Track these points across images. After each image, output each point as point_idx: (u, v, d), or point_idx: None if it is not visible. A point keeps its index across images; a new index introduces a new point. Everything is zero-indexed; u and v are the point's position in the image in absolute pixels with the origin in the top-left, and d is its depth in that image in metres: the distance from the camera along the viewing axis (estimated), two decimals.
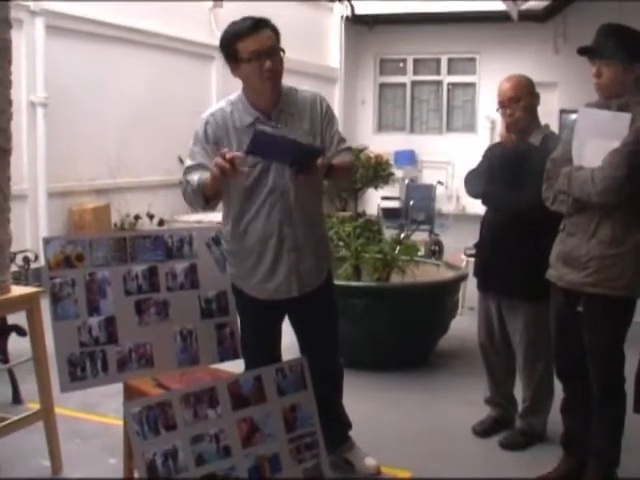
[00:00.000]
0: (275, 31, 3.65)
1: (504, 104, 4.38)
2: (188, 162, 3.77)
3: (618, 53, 3.60)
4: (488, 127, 16.30)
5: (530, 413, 4.61)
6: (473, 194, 4.66)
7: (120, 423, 3.64)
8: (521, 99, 4.35)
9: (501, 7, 13.52)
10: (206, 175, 3.56)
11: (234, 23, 3.65)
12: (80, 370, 3.17)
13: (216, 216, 4.12)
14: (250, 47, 3.55)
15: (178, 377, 3.55)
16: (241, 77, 3.69)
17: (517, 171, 4.32)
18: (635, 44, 3.65)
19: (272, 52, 3.59)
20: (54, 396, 3.92)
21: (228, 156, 3.34)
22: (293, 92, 3.82)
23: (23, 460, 4.27)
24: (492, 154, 4.66)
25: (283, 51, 3.65)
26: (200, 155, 3.73)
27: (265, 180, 3.71)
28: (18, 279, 7.36)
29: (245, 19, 3.62)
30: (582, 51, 3.74)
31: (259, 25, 3.59)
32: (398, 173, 14.82)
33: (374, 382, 5.67)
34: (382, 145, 15.65)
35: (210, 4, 12.04)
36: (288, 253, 3.80)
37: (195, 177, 3.64)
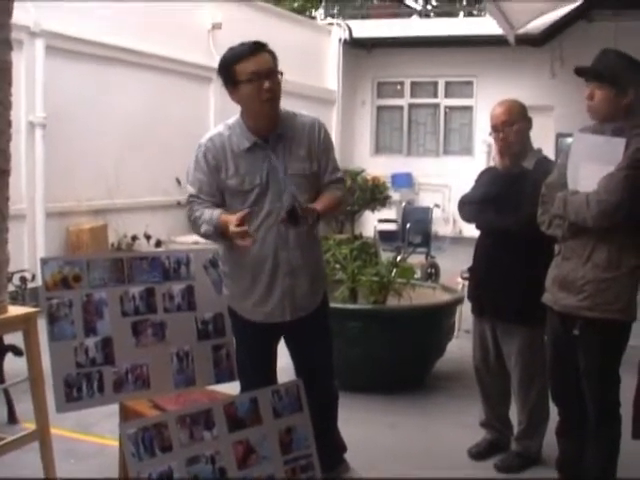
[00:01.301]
0: (273, 55, 3.69)
1: (497, 128, 4.42)
2: (190, 189, 3.84)
3: (611, 77, 3.64)
4: (485, 151, 16.33)
5: (525, 436, 4.61)
6: (466, 218, 4.68)
7: (116, 444, 3.64)
8: (514, 123, 4.38)
9: (498, 31, 13.61)
10: (217, 214, 3.65)
11: (232, 48, 3.69)
12: (76, 391, 3.17)
13: None
14: (249, 68, 3.59)
15: (174, 398, 3.55)
16: (239, 101, 3.71)
17: (510, 195, 4.34)
18: (630, 70, 3.68)
19: (271, 73, 3.62)
20: (50, 416, 3.91)
21: (239, 226, 3.45)
22: (291, 116, 3.84)
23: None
24: (485, 178, 4.68)
25: (281, 74, 3.68)
26: (202, 182, 3.78)
27: (262, 204, 3.73)
28: (15, 299, 7.37)
29: (243, 44, 3.66)
30: (578, 71, 3.78)
31: (257, 48, 3.64)
32: (395, 196, 14.87)
33: (370, 404, 5.67)
34: (379, 167, 15.69)
35: (209, 26, 12.12)
36: (283, 277, 3.81)
37: (205, 215, 3.70)
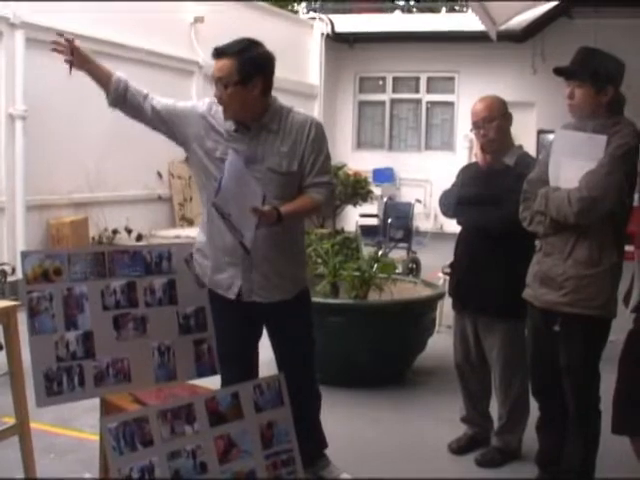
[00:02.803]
0: (233, 60, 3.61)
1: (478, 124, 4.43)
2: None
3: (590, 76, 3.66)
4: (466, 146, 16.37)
5: (506, 431, 4.63)
6: (448, 214, 4.69)
7: (96, 438, 3.63)
8: (494, 120, 4.39)
9: (480, 27, 13.63)
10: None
11: None
12: (57, 385, 3.17)
13: (194, 231, 4.13)
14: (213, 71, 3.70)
15: (155, 393, 3.54)
16: None
17: (492, 191, 4.35)
18: (608, 68, 3.71)
19: (219, 81, 3.63)
20: (29, 410, 3.89)
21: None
22: (284, 111, 3.80)
23: None
24: (467, 174, 4.70)
25: (243, 82, 3.61)
26: (179, 103, 3.89)
27: None
28: None
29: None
30: (558, 71, 3.79)
31: (217, 54, 3.66)
32: (377, 191, 14.85)
33: (351, 399, 5.67)
34: (361, 162, 15.69)
35: (191, 20, 12.07)
36: (240, 258, 3.71)
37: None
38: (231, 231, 3.46)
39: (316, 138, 3.79)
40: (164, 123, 3.85)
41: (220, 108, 3.75)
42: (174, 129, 3.85)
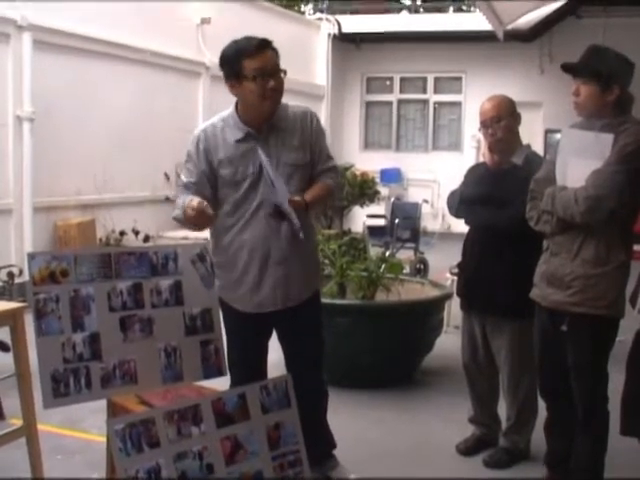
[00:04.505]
0: (276, 52, 3.72)
1: (486, 124, 4.41)
2: (182, 178, 3.93)
3: (596, 73, 3.64)
4: (474, 146, 16.35)
5: (514, 432, 4.61)
6: (455, 214, 4.68)
7: (103, 440, 3.62)
8: (502, 119, 4.38)
9: (487, 27, 13.61)
10: (188, 200, 3.61)
11: (237, 41, 3.70)
12: (63, 386, 3.15)
13: (202, 232, 4.14)
14: (255, 65, 3.61)
15: (162, 394, 3.54)
16: (240, 94, 3.74)
17: (500, 191, 4.34)
18: (615, 67, 3.69)
19: (276, 72, 3.67)
20: (37, 412, 3.90)
21: (196, 206, 3.46)
22: (284, 107, 3.87)
23: (5, 476, 4.24)
24: (474, 174, 4.68)
25: (284, 72, 3.73)
26: (191, 173, 3.84)
27: (254, 194, 3.76)
28: (2, 294, 7.35)
29: (249, 38, 3.68)
30: (565, 67, 3.79)
31: (265, 45, 3.67)
32: (384, 191, 14.85)
33: (358, 400, 5.66)
34: (368, 163, 15.67)
35: (198, 21, 12.08)
36: (275, 267, 3.83)
37: (180, 200, 3.74)
38: (288, 220, 3.64)
39: (317, 127, 3.94)
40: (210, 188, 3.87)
41: (215, 130, 3.82)
42: (209, 188, 3.86)
